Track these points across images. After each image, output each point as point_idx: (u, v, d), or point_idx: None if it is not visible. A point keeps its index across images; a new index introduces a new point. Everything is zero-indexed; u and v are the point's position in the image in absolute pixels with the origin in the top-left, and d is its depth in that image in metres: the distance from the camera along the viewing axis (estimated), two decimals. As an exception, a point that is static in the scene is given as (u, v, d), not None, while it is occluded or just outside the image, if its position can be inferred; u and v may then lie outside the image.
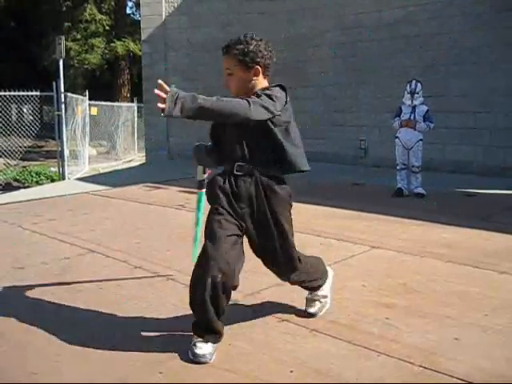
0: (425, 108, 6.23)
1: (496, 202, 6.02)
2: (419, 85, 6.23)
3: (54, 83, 9.95)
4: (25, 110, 16.66)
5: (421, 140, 6.24)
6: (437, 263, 3.58)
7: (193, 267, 2.27)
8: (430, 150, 7.01)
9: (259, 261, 3.66)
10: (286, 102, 2.28)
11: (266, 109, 2.17)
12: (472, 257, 3.70)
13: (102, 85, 21.68)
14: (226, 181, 2.33)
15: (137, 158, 16.59)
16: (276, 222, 2.34)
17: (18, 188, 9.86)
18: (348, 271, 3.40)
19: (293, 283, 2.57)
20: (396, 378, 2.05)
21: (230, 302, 2.83)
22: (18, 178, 11.38)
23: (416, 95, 6.21)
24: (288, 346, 2.34)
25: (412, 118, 6.20)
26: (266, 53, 2.31)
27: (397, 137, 6.34)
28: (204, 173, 2.66)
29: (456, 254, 3.79)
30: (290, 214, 2.43)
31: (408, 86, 6.30)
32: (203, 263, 2.20)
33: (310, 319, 2.61)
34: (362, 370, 2.12)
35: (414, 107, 6.21)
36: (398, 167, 6.35)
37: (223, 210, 2.29)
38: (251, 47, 2.28)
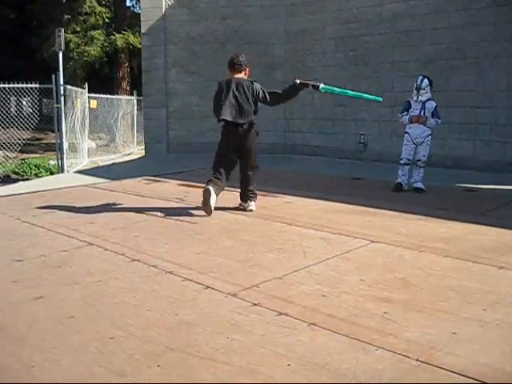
0: (433, 104, 6.20)
1: (495, 197, 6.02)
2: (426, 80, 6.16)
3: (53, 75, 9.92)
4: (24, 103, 16.64)
5: (430, 135, 6.23)
6: (435, 258, 3.58)
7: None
8: (430, 145, 7.01)
9: (257, 255, 3.68)
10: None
11: None
12: (470, 251, 3.70)
13: (101, 77, 21.61)
14: None
15: (136, 151, 16.56)
16: None
17: (16, 180, 9.86)
18: (346, 265, 3.40)
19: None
20: (393, 372, 2.05)
21: (228, 295, 2.85)
22: (16, 170, 11.38)
23: (422, 91, 6.14)
24: (286, 339, 2.34)
25: (422, 113, 6.18)
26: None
27: (406, 132, 6.30)
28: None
29: (454, 248, 3.79)
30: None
31: (415, 81, 6.27)
32: None
33: (308, 313, 2.61)
34: (360, 363, 2.12)
35: (423, 103, 6.17)
36: (401, 162, 6.33)
37: None
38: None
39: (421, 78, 6.22)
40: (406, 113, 6.29)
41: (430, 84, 6.20)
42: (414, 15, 8.71)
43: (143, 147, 12.18)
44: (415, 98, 6.21)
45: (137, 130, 17.93)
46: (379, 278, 3.15)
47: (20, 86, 10.59)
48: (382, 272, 3.27)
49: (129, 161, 12.28)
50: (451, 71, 8.34)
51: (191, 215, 4.95)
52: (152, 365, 2.12)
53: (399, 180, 6.31)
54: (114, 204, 5.53)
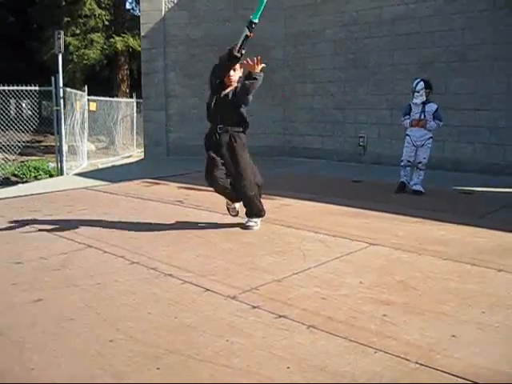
0: (434, 106, 6.22)
1: (494, 200, 6.02)
2: (421, 83, 6.18)
3: (52, 78, 9.94)
4: (23, 105, 16.66)
5: (431, 138, 6.27)
6: (434, 260, 3.58)
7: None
8: (430, 147, 7.03)
9: (257, 258, 3.68)
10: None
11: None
12: (469, 254, 3.71)
13: (101, 80, 21.62)
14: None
15: (135, 153, 16.58)
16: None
17: (16, 183, 9.86)
18: (345, 268, 3.41)
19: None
20: (392, 375, 2.06)
21: (227, 298, 2.85)
22: (16, 172, 11.39)
23: (416, 93, 6.19)
24: (285, 342, 2.34)
25: (422, 117, 6.21)
26: None
27: (407, 134, 6.36)
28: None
29: (453, 251, 3.80)
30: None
31: (411, 84, 6.33)
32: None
33: (307, 315, 2.61)
34: (359, 366, 2.12)
35: (423, 106, 6.20)
36: (402, 163, 6.37)
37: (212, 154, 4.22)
38: None
39: (417, 80, 6.28)
40: (408, 116, 6.33)
41: (428, 87, 6.22)
42: (414, 18, 8.73)
43: (143, 150, 12.19)
44: (412, 101, 6.26)
45: (136, 133, 17.95)
46: (378, 281, 3.15)
47: (20, 88, 10.60)
48: (381, 274, 3.28)
49: (128, 163, 12.28)
50: (451, 74, 8.35)
51: (191, 218, 4.96)
52: (152, 367, 2.13)
53: (402, 179, 6.36)
54: (114, 206, 5.53)
